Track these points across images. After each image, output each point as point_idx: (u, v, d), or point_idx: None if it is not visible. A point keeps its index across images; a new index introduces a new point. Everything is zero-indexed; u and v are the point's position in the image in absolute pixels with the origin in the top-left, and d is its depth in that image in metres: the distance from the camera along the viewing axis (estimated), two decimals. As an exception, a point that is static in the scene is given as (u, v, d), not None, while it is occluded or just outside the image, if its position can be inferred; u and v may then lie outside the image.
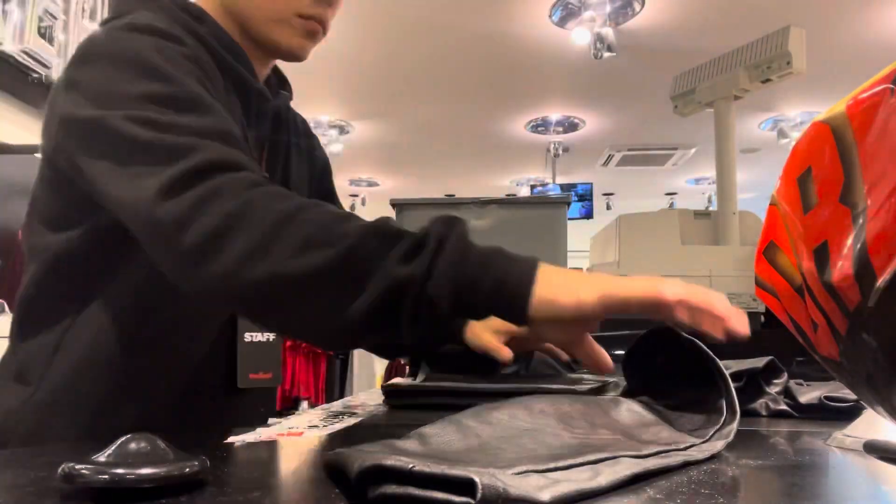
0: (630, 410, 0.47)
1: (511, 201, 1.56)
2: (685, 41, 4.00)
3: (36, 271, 0.72)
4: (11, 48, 2.11)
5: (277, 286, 0.53)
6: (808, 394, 0.61)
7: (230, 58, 0.76)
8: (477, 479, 0.27)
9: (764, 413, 0.62)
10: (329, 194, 0.98)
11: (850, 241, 0.29)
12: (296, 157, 0.93)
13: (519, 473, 0.28)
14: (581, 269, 0.56)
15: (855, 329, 0.30)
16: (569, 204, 1.58)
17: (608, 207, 7.59)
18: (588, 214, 6.37)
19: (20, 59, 2.15)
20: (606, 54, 3.76)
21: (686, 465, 0.37)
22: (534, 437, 0.39)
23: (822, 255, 0.31)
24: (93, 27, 2.49)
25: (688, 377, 0.50)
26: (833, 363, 0.35)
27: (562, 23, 3.86)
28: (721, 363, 0.52)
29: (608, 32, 3.73)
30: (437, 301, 0.51)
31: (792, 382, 0.66)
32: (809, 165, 0.33)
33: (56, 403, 0.68)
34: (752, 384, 0.64)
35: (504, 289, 0.52)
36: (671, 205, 7.86)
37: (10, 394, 0.70)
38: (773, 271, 0.38)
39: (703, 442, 0.42)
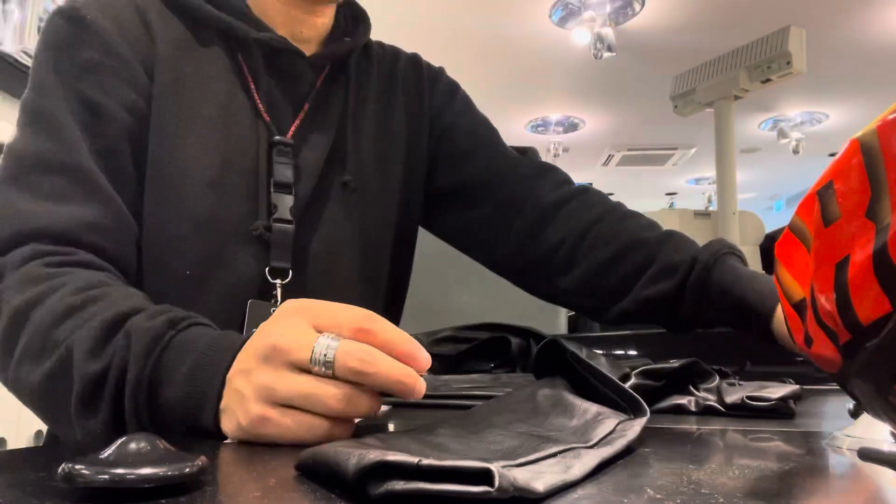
0: (550, 395, 0.48)
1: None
2: (685, 41, 4.00)
3: None
4: (11, 48, 2.11)
5: (20, 392, 0.52)
6: (735, 394, 0.64)
7: (210, 8, 0.72)
8: (494, 469, 0.27)
9: (693, 409, 0.65)
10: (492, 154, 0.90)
11: (872, 252, 0.29)
12: (382, 115, 0.85)
13: (504, 467, 0.28)
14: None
15: (871, 332, 0.30)
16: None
17: (608, 207, 7.59)
18: (588, 214, 6.35)
19: (20, 59, 2.15)
20: (606, 54, 3.77)
21: (633, 448, 0.39)
22: (481, 438, 0.39)
23: (842, 269, 0.31)
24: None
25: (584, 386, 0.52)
26: (835, 375, 0.35)
27: (562, 23, 3.87)
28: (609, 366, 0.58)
29: (608, 32, 3.73)
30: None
31: (724, 383, 0.69)
32: (831, 179, 0.33)
33: None
34: (677, 383, 0.68)
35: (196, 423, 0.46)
36: (671, 205, 7.87)
37: None
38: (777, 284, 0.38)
39: (627, 419, 0.44)
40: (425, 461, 0.28)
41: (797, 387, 0.70)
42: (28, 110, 0.65)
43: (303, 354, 0.41)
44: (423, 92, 0.91)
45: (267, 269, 0.71)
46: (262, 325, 0.46)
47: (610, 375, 0.49)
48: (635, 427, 0.42)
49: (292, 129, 0.75)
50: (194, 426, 0.45)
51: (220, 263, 0.69)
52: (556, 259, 0.86)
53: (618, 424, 0.42)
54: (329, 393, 0.41)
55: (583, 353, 0.54)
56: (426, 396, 0.69)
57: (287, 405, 0.42)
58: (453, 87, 0.95)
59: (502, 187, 0.88)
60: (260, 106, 0.73)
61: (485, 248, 0.91)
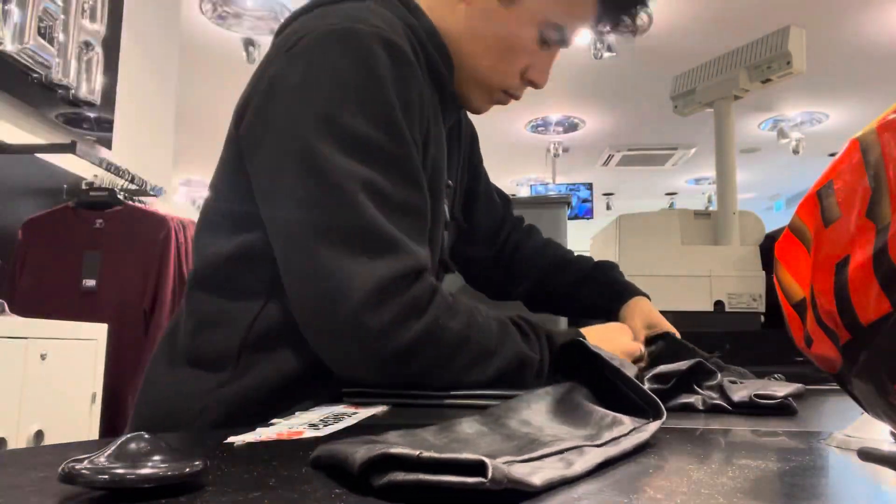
0: (569, 402, 0.49)
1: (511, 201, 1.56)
2: (685, 41, 4.00)
3: (239, 245, 0.72)
4: (11, 48, 2.11)
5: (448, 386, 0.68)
6: (740, 391, 0.66)
7: (437, 57, 0.78)
8: (487, 462, 0.27)
9: (701, 407, 0.66)
10: (484, 182, 1.11)
11: (872, 252, 0.29)
12: (463, 160, 1.02)
13: (506, 462, 0.29)
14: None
15: (871, 332, 0.30)
16: (569, 204, 1.58)
17: (608, 207, 7.60)
18: (588, 214, 6.37)
19: (20, 59, 2.15)
20: (606, 54, 3.77)
21: (637, 449, 0.40)
22: (499, 432, 0.40)
23: (842, 269, 0.31)
24: (93, 27, 2.49)
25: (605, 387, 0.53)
26: (835, 375, 0.35)
27: (562, 23, 3.86)
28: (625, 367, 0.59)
29: (608, 32, 3.72)
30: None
31: (726, 381, 0.70)
32: (831, 179, 0.33)
33: (249, 390, 0.68)
34: (683, 383, 0.69)
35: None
36: (671, 205, 7.87)
37: (190, 377, 0.70)
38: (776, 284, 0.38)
39: (644, 424, 0.44)
40: (425, 454, 0.28)
41: (800, 385, 0.70)
42: (378, 147, 0.65)
43: (638, 352, 0.87)
44: (476, 140, 1.08)
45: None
46: (615, 335, 0.87)
47: (632, 377, 0.50)
48: (648, 430, 0.43)
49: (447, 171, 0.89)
50: None
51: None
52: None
53: (632, 430, 0.42)
54: (639, 366, 0.81)
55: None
56: (432, 397, 0.69)
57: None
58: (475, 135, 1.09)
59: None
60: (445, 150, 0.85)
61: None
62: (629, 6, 0.82)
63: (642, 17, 0.83)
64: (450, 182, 0.88)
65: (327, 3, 0.75)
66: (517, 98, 0.88)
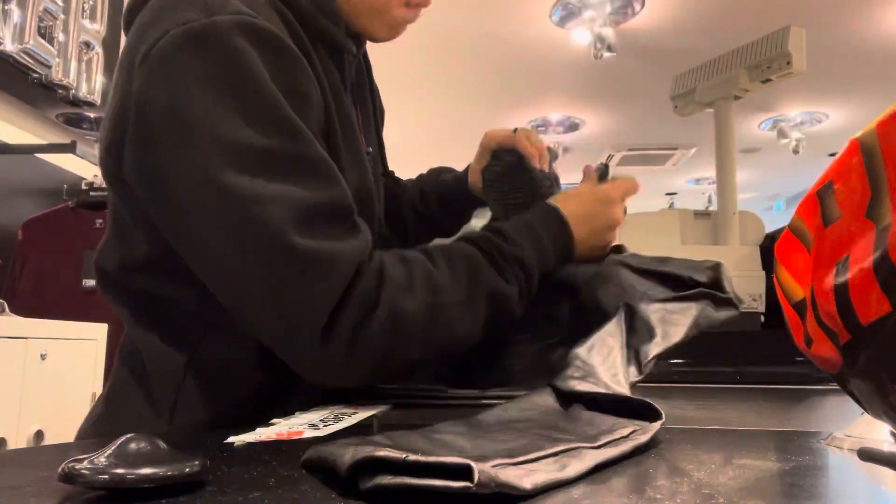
0: (569, 405, 0.49)
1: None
2: (685, 41, 4.00)
3: None
4: (11, 48, 2.11)
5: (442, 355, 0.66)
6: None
7: (325, 21, 0.70)
8: (473, 465, 0.27)
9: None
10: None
11: (872, 252, 0.29)
12: (376, 124, 0.91)
13: (496, 466, 0.29)
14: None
15: (871, 332, 0.30)
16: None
17: (608, 207, 7.58)
18: (588, 214, 6.35)
19: (20, 59, 2.15)
20: (606, 54, 3.76)
21: (635, 451, 0.40)
22: (492, 437, 0.40)
23: (842, 269, 0.31)
24: (93, 27, 2.49)
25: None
26: (835, 375, 0.35)
27: (562, 23, 3.86)
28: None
29: (608, 32, 3.72)
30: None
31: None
32: (831, 179, 0.33)
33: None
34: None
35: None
36: (671, 205, 7.86)
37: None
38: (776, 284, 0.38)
39: (643, 426, 0.44)
40: (412, 457, 0.28)
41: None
42: (279, 155, 0.58)
43: (622, 221, 0.83)
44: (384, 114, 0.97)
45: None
46: (593, 208, 0.80)
47: (619, 390, 0.50)
48: (648, 432, 0.42)
49: (362, 134, 0.78)
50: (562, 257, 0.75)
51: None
52: None
53: (631, 432, 0.42)
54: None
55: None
56: (434, 397, 0.70)
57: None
58: None
59: None
60: (360, 117, 0.78)
61: None
62: None
63: None
64: (369, 150, 0.80)
65: None
66: (423, 5, 0.80)
